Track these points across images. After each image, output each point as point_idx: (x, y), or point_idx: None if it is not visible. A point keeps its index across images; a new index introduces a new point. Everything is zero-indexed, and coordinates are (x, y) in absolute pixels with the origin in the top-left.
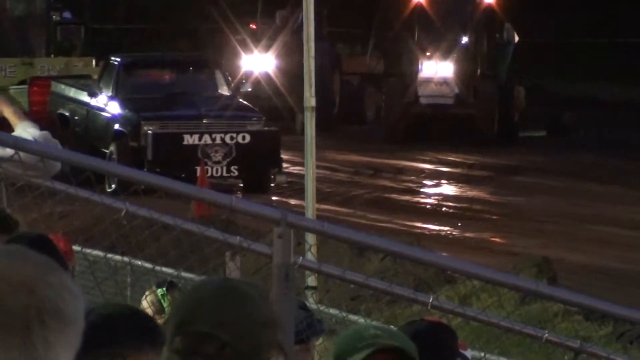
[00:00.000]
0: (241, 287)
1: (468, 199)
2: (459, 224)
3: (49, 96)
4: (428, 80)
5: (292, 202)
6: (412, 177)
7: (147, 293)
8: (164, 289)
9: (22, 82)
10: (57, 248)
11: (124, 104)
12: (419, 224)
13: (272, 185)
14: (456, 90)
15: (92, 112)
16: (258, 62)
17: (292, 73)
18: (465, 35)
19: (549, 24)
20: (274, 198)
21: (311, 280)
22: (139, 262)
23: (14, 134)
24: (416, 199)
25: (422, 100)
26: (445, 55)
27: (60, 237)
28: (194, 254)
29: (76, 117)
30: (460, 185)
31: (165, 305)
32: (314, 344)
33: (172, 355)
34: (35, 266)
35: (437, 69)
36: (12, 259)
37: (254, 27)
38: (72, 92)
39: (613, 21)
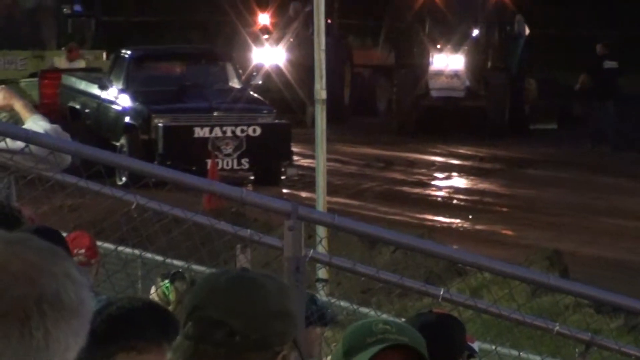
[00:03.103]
0: (257, 278)
1: (479, 192)
2: (470, 217)
3: (59, 89)
4: (439, 73)
5: (303, 194)
6: (423, 170)
7: (153, 287)
8: (168, 280)
9: (32, 75)
10: (62, 239)
11: (134, 96)
12: (430, 217)
13: (282, 178)
14: (467, 82)
15: (102, 105)
16: (269, 55)
17: (303, 66)
18: (476, 28)
19: (560, 16)
20: (284, 191)
21: (322, 273)
22: (150, 255)
23: (24, 127)
24: (427, 192)
25: (433, 93)
26: (456, 48)
27: (83, 234)
28: (205, 247)
29: (87, 110)
30: (471, 177)
31: (170, 297)
32: (317, 333)
33: (183, 340)
34: (37, 254)
35: (448, 61)
36: (13, 246)
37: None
38: (83, 85)
39: (625, 13)
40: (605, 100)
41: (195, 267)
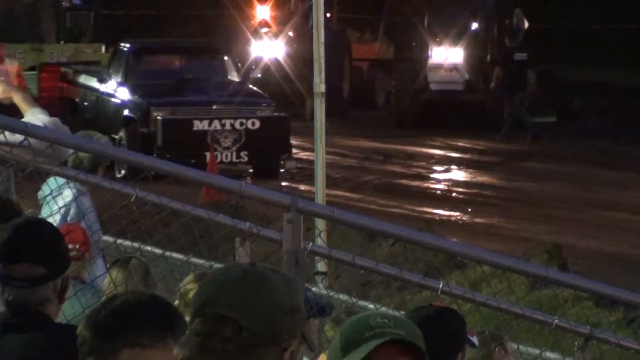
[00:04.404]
0: (265, 273)
1: (478, 185)
2: (469, 210)
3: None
4: (438, 66)
5: (302, 187)
6: (422, 163)
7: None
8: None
9: (31, 68)
10: (56, 231)
11: (133, 90)
12: (429, 210)
13: (281, 171)
14: (466, 76)
15: (101, 98)
16: (268, 48)
17: (302, 59)
18: (475, 21)
19: (559, 9)
20: (283, 184)
21: (321, 266)
22: (149, 248)
23: (24, 119)
24: (426, 185)
25: (432, 86)
26: (455, 41)
27: (77, 227)
28: (204, 240)
29: (86, 103)
30: (470, 170)
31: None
32: (314, 325)
33: (191, 336)
34: None
35: (447, 55)
36: None
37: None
38: (82, 78)
39: (625, 6)
40: (515, 92)
41: (194, 260)
